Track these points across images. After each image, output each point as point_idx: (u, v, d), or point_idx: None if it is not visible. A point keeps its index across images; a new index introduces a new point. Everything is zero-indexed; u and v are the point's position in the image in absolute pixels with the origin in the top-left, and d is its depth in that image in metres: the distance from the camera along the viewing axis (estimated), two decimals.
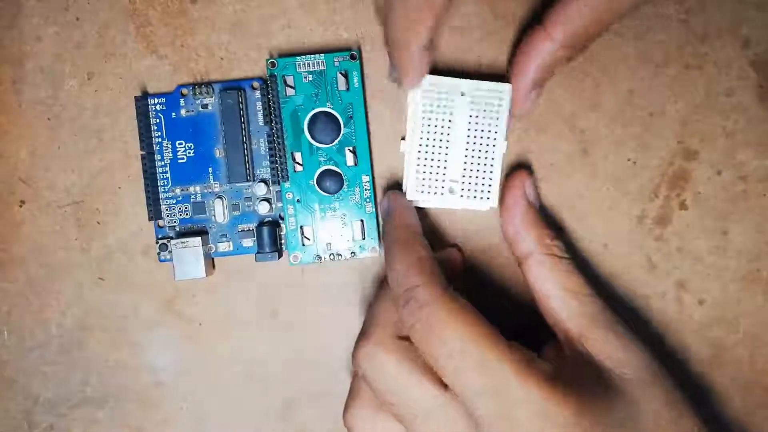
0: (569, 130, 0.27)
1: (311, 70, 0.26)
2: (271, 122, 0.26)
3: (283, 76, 0.26)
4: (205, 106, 0.27)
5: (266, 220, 0.27)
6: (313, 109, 0.26)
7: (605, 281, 0.28)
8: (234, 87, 0.27)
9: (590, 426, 0.20)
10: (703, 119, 0.27)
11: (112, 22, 0.27)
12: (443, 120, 0.25)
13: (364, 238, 0.27)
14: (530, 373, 0.20)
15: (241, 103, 0.27)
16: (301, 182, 0.27)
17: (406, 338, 0.22)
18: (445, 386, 0.21)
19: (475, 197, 0.25)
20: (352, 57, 0.26)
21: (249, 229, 0.27)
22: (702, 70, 0.27)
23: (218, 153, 0.27)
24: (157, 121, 0.27)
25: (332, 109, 0.26)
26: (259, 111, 0.27)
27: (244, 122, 0.27)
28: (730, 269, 0.28)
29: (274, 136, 0.26)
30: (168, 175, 0.27)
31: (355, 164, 0.27)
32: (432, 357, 0.21)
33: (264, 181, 0.27)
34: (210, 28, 0.27)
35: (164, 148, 0.27)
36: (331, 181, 0.27)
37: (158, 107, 0.27)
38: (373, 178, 0.27)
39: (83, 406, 0.28)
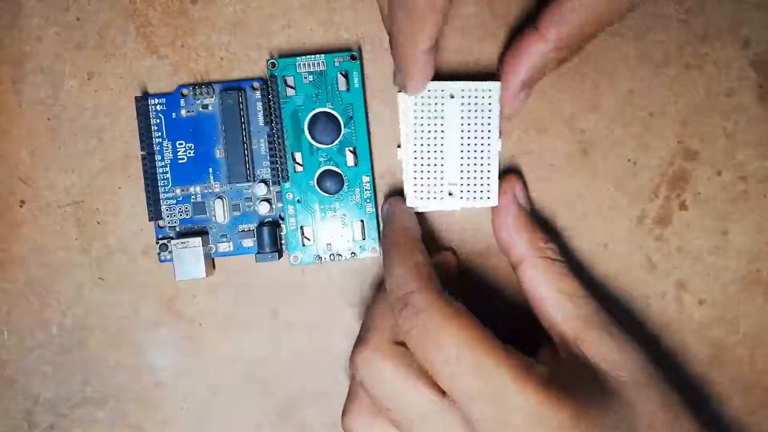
0: (569, 131, 0.27)
1: (311, 70, 0.26)
2: (272, 122, 0.26)
3: (284, 76, 0.26)
4: (205, 106, 0.27)
5: (266, 220, 0.27)
6: (314, 109, 0.26)
7: (605, 281, 0.28)
8: (234, 87, 0.27)
9: (586, 429, 0.20)
10: (703, 119, 0.27)
11: (112, 23, 0.27)
12: (435, 125, 0.25)
13: (364, 239, 0.27)
14: (526, 377, 0.20)
15: (242, 103, 0.27)
16: (301, 182, 0.27)
17: (403, 343, 0.22)
18: (442, 391, 0.21)
19: (474, 198, 0.25)
20: (353, 57, 0.26)
21: (249, 230, 0.27)
22: (702, 70, 0.27)
23: (218, 153, 0.27)
24: (158, 121, 0.27)
25: (332, 109, 0.26)
26: (260, 111, 0.27)
27: (244, 122, 0.27)
28: (730, 269, 0.28)
29: (274, 136, 0.26)
30: (168, 175, 0.27)
31: (356, 164, 0.27)
32: (428, 362, 0.21)
33: (264, 181, 0.27)
34: (210, 29, 0.27)
35: (164, 149, 0.27)
36: (332, 182, 0.27)
37: (158, 107, 0.27)
38: (373, 178, 0.27)
39: (83, 406, 0.28)
